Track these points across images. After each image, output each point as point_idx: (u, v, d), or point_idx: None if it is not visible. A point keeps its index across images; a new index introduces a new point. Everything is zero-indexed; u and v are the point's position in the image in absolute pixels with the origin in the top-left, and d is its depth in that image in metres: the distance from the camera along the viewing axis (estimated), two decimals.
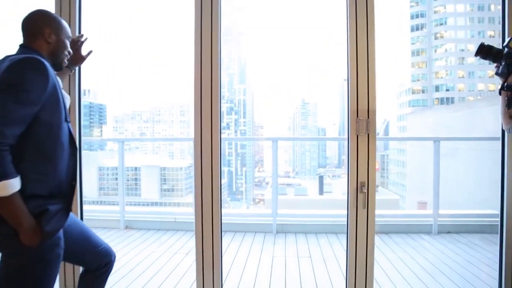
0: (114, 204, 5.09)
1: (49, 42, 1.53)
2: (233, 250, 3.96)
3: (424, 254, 3.70)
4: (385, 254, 3.71)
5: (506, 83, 1.53)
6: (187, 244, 4.11)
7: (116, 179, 7.93)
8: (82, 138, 2.24)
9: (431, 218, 4.30)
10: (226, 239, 4.18)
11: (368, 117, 1.96)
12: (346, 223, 2.03)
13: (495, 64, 1.58)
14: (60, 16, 2.08)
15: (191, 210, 4.81)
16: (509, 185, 2.00)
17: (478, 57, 1.60)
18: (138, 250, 3.93)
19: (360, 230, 1.98)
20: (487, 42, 1.58)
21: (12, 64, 1.31)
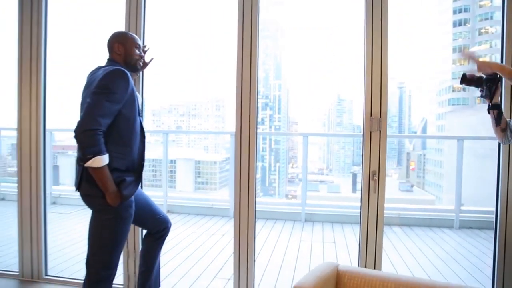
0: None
1: (119, 53, 2.03)
2: (264, 234, 4.41)
3: (442, 245, 3.99)
4: (405, 243, 4.04)
5: (491, 104, 1.85)
6: (223, 227, 4.61)
7: (153, 170, 8.63)
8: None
9: (453, 213, 4.55)
10: (259, 224, 4.63)
11: (380, 117, 2.32)
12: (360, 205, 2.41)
13: (479, 89, 1.89)
14: (129, 28, 2.60)
15: (226, 197, 5.32)
16: (502, 184, 2.29)
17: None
18: (180, 231, 4.47)
19: (372, 211, 2.36)
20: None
21: (105, 74, 1.81)
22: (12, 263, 3.10)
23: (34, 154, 2.89)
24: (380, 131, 2.32)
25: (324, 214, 4.92)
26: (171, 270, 3.23)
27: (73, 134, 1.70)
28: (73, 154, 8.77)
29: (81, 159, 1.72)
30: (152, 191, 6.56)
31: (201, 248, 3.90)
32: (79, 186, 1.87)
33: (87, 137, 1.69)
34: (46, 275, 2.94)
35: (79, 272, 3.02)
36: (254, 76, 2.52)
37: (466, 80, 1.86)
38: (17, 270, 2.95)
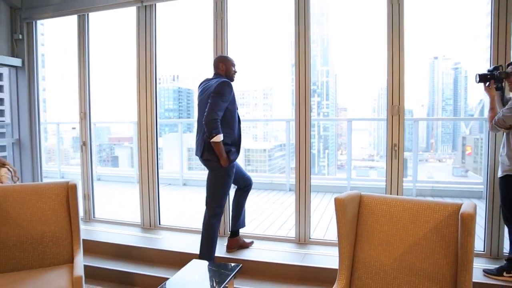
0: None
1: (222, 69, 3.29)
2: (316, 201, 5.60)
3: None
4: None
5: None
6: (281, 198, 5.88)
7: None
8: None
9: (481, 186, 5.49)
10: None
11: (399, 104, 3.43)
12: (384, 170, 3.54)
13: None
14: (216, 47, 3.87)
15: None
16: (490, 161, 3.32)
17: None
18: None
19: (394, 174, 3.48)
20: None
21: (218, 83, 3.07)
22: (136, 216, 4.54)
23: (150, 139, 4.28)
24: (399, 115, 3.43)
25: (368, 187, 6.02)
26: (249, 222, 4.54)
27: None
28: (129, 145, 10.28)
29: (208, 136, 3.01)
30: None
31: (267, 211, 5.20)
32: (202, 154, 3.17)
33: (212, 123, 2.97)
34: (160, 224, 4.36)
35: (181, 222, 4.41)
36: (308, 63, 3.68)
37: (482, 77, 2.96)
38: (139, 222, 4.40)
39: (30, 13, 4.63)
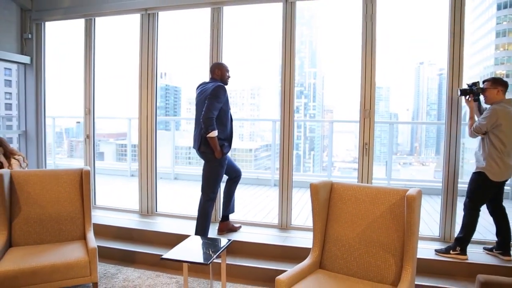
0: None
1: (218, 75, 3.87)
2: (298, 196, 6.22)
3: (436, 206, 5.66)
4: None
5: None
6: (267, 192, 6.48)
7: (189, 158, 10.37)
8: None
9: None
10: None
11: (370, 109, 4.05)
12: (357, 164, 4.16)
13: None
14: (211, 54, 4.44)
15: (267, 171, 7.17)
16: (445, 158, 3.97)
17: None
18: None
19: (365, 167, 4.11)
20: None
21: (214, 87, 3.63)
22: (134, 204, 5.07)
23: (149, 134, 4.82)
24: (370, 118, 4.06)
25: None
26: (237, 211, 5.12)
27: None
28: (114, 141, 10.70)
29: (205, 132, 3.57)
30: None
31: (253, 202, 5.79)
32: (199, 147, 3.74)
33: (208, 121, 3.54)
34: (156, 211, 4.90)
35: (175, 209, 4.96)
36: (293, 65, 4.26)
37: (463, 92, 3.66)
38: (138, 209, 4.94)
39: (39, 15, 5.12)
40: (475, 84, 3.66)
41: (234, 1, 4.39)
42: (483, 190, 3.55)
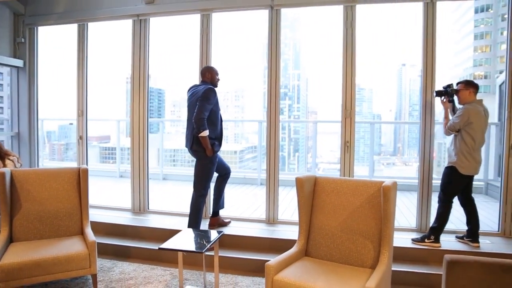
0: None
1: (208, 77, 4.13)
2: (284, 194, 6.50)
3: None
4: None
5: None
6: (254, 190, 6.75)
7: (174, 160, 10.54)
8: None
9: None
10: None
11: (351, 109, 4.36)
12: (339, 161, 4.47)
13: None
14: (201, 58, 4.70)
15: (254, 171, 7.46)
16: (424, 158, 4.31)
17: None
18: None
19: (346, 164, 4.42)
20: None
21: (205, 89, 3.89)
22: (126, 202, 5.28)
23: (141, 135, 5.04)
24: (350, 118, 4.38)
25: None
26: (226, 208, 5.37)
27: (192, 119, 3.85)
28: (97, 144, 10.85)
29: (197, 132, 3.83)
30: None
31: (241, 200, 6.06)
32: (191, 146, 3.99)
33: (200, 121, 3.79)
34: (148, 209, 5.13)
35: (166, 207, 5.20)
36: (278, 68, 4.54)
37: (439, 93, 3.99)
38: (130, 207, 5.15)
39: (32, 20, 5.30)
40: (449, 86, 4.02)
41: (223, 8, 4.66)
42: (454, 184, 3.89)
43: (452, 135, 3.98)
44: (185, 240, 3.35)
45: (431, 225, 4.03)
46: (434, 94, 4.14)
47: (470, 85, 3.92)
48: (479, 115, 3.81)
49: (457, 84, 4.00)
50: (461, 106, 3.96)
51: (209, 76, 4.12)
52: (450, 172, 3.90)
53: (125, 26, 5.10)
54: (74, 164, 9.28)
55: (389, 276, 3.01)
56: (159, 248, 3.12)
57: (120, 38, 5.48)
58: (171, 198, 6.25)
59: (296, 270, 2.92)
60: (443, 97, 4.07)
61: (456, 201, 4.04)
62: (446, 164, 3.98)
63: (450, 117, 4.02)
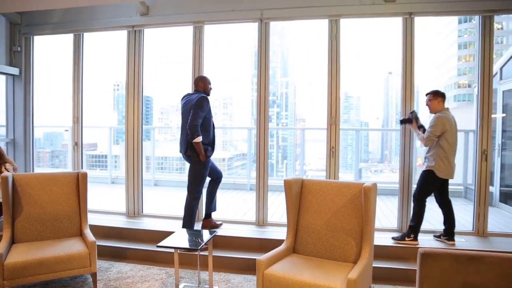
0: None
1: (201, 86, 4.41)
2: (273, 198, 6.79)
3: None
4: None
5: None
6: (243, 195, 7.02)
7: (162, 168, 10.71)
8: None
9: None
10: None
11: (336, 116, 4.69)
12: (325, 166, 4.78)
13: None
14: (194, 68, 4.98)
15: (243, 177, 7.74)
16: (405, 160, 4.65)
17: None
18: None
19: (332, 168, 4.73)
20: None
21: (199, 98, 4.16)
22: (120, 207, 5.50)
23: (136, 142, 5.28)
24: (335, 125, 4.70)
25: None
26: (217, 211, 5.63)
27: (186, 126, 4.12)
28: (84, 152, 10.99)
29: (191, 138, 4.09)
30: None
31: (232, 204, 6.32)
32: (185, 151, 4.25)
33: (194, 128, 4.06)
34: (142, 213, 5.36)
35: (159, 211, 5.43)
36: (268, 76, 4.86)
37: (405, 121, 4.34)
38: (124, 211, 5.37)
39: (29, 29, 5.52)
40: (412, 113, 4.43)
41: (214, 20, 4.97)
42: (430, 185, 4.23)
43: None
44: (180, 239, 3.61)
45: (409, 224, 4.35)
46: (400, 122, 4.54)
47: (438, 95, 4.29)
48: (450, 121, 4.18)
49: (426, 95, 4.37)
50: (432, 115, 4.31)
51: (202, 85, 4.40)
52: (428, 175, 4.23)
53: (113, 35, 5.36)
54: (65, 171, 9.45)
55: (370, 270, 3.30)
56: (157, 246, 3.37)
57: (107, 46, 5.71)
58: (163, 203, 6.48)
59: (284, 265, 3.19)
60: (408, 123, 4.45)
61: (434, 203, 4.39)
62: (424, 168, 4.31)
63: (420, 132, 4.36)
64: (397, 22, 4.77)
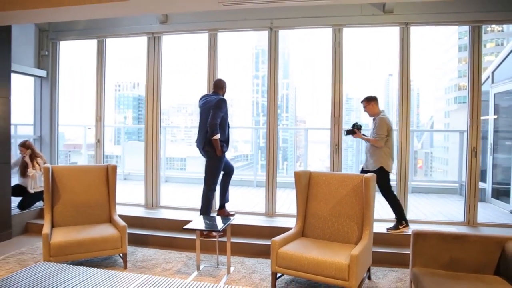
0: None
1: (221, 90, 4.94)
2: (279, 193, 7.30)
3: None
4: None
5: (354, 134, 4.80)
6: (252, 191, 7.54)
7: (170, 167, 11.21)
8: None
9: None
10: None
11: (339, 116, 5.22)
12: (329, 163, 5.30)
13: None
14: (209, 72, 5.51)
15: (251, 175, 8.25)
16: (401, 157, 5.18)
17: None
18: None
19: (335, 164, 5.24)
20: None
21: (218, 99, 4.68)
22: (138, 199, 6.02)
23: (155, 140, 5.80)
24: (339, 124, 5.23)
25: None
26: (231, 203, 6.15)
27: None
28: (85, 152, 11.41)
29: (210, 135, 4.61)
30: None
31: (241, 199, 6.85)
32: (203, 147, 4.78)
33: (213, 126, 4.56)
34: (160, 204, 5.88)
35: (175, 203, 5.95)
36: (276, 79, 5.40)
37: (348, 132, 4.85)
38: (143, 203, 5.90)
39: (56, 35, 6.05)
40: (355, 125, 4.89)
41: (228, 28, 5.49)
42: (386, 180, 4.72)
43: (368, 144, 4.84)
44: (202, 223, 4.14)
45: (395, 216, 4.83)
46: (345, 133, 4.97)
47: (371, 100, 4.80)
48: (388, 120, 4.71)
49: (361, 102, 4.88)
50: (372, 118, 4.84)
51: (222, 87, 4.94)
52: (381, 172, 4.66)
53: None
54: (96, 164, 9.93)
55: (370, 252, 3.83)
56: (183, 228, 3.90)
57: (107, 48, 6.20)
58: (176, 196, 7.00)
59: (295, 246, 3.71)
60: (353, 134, 4.88)
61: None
62: (374, 167, 4.72)
63: (369, 137, 4.84)
64: (395, 29, 5.28)
